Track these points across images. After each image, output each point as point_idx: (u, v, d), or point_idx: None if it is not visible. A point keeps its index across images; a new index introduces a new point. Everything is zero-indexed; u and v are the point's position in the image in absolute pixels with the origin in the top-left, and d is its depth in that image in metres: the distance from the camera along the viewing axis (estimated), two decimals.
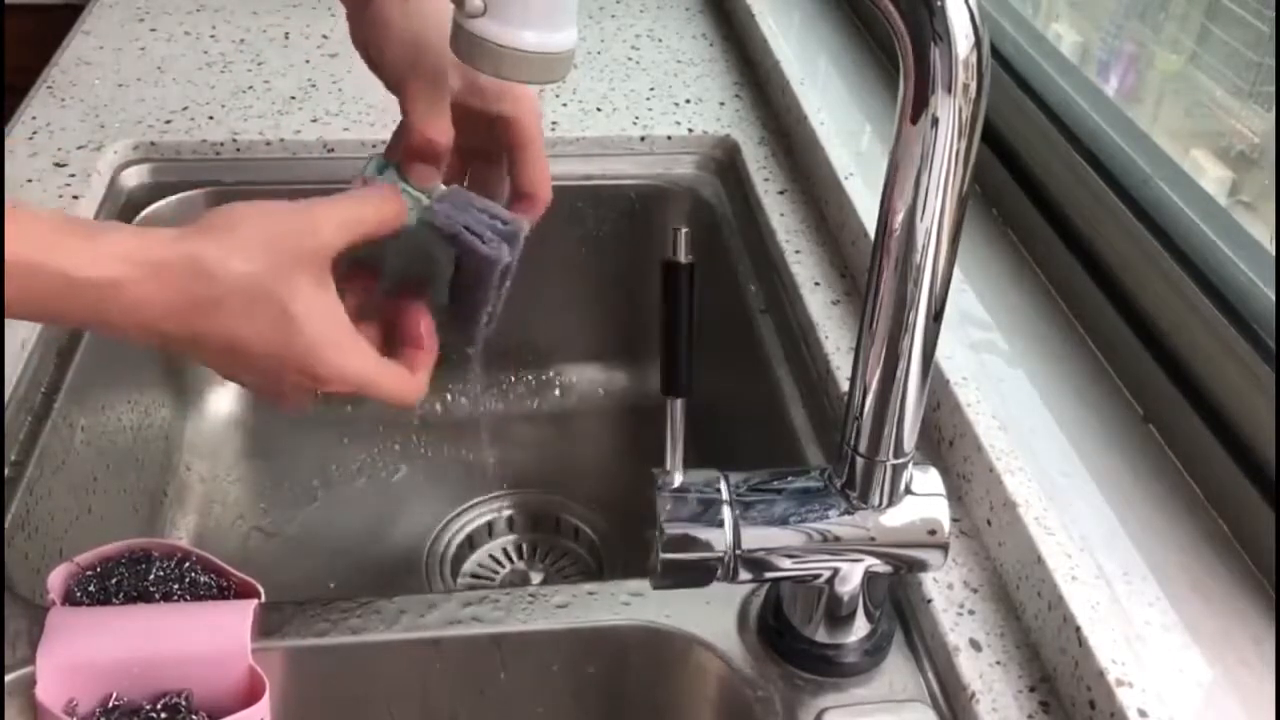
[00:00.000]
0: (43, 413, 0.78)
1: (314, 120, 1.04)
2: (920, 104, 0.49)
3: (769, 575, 0.60)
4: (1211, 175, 0.79)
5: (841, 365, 0.81)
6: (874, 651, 0.63)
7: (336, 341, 0.56)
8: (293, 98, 1.08)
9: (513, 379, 1.12)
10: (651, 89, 1.15)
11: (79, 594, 0.65)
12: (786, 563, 0.59)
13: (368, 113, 1.06)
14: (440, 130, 0.63)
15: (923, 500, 0.59)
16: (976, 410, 0.71)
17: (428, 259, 0.64)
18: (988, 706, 0.60)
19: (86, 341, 0.83)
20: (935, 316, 0.54)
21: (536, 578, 0.98)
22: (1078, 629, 0.58)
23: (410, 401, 0.61)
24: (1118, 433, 0.72)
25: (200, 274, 0.52)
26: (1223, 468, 0.67)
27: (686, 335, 0.55)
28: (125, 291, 0.51)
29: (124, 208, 0.97)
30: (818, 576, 0.60)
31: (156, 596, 0.65)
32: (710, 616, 0.66)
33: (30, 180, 0.94)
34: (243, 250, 0.53)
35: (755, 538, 0.58)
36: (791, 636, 0.63)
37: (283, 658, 0.64)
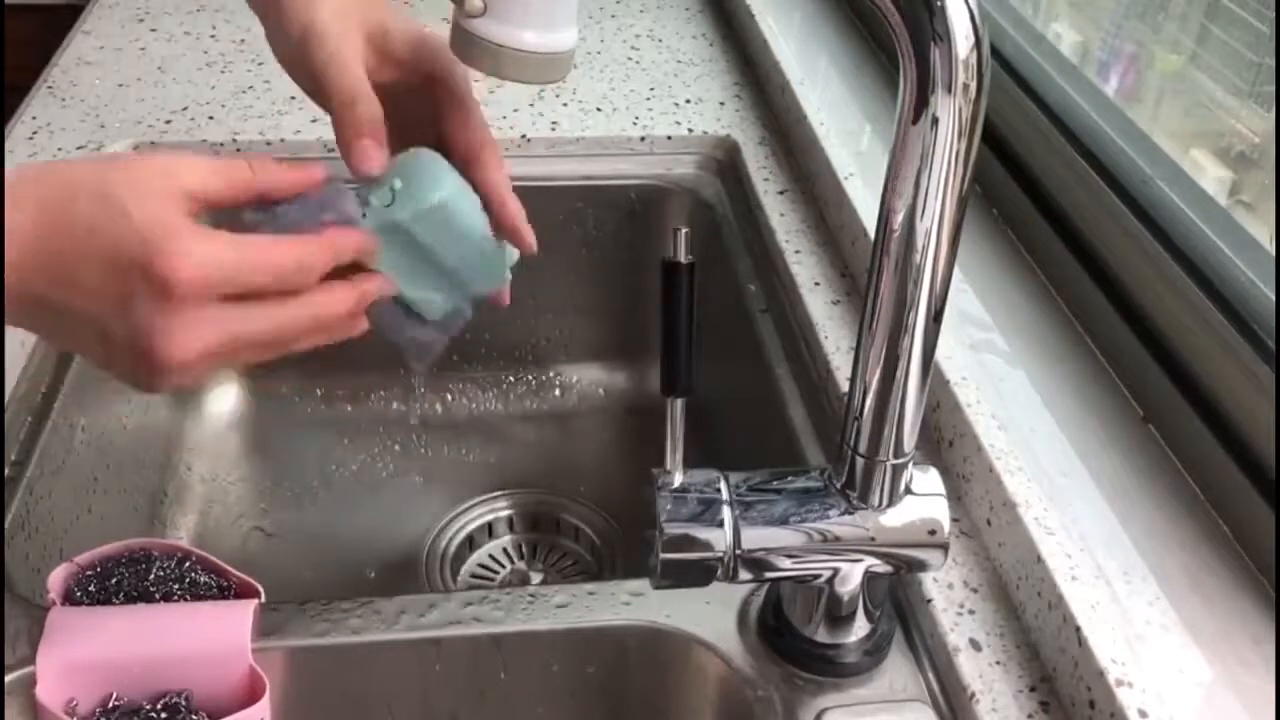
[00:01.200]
0: (43, 413, 0.78)
1: (314, 120, 1.04)
2: (920, 104, 0.49)
3: (769, 575, 0.60)
4: (1211, 175, 0.79)
5: (841, 365, 0.81)
6: (874, 651, 0.63)
7: (182, 229, 0.48)
8: (293, 98, 1.07)
9: (513, 379, 1.12)
10: (651, 89, 1.15)
11: (79, 594, 0.65)
12: (786, 563, 0.59)
13: None
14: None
15: (923, 500, 0.59)
16: (976, 410, 0.71)
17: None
18: (988, 706, 0.60)
19: None
20: (935, 316, 0.54)
21: (536, 578, 0.98)
22: (1078, 629, 0.58)
23: (335, 311, 0.52)
24: (1118, 433, 0.72)
25: (53, 184, 0.48)
26: (1223, 468, 0.67)
27: (686, 335, 0.55)
28: None
29: None
30: (818, 576, 0.60)
31: (156, 596, 0.65)
32: (710, 616, 0.66)
33: None
34: (103, 174, 0.48)
35: (755, 538, 0.58)
36: (791, 636, 0.63)
37: (283, 658, 0.64)
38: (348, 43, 0.58)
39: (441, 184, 0.57)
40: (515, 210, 0.61)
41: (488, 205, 0.60)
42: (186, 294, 0.47)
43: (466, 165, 0.60)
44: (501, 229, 0.61)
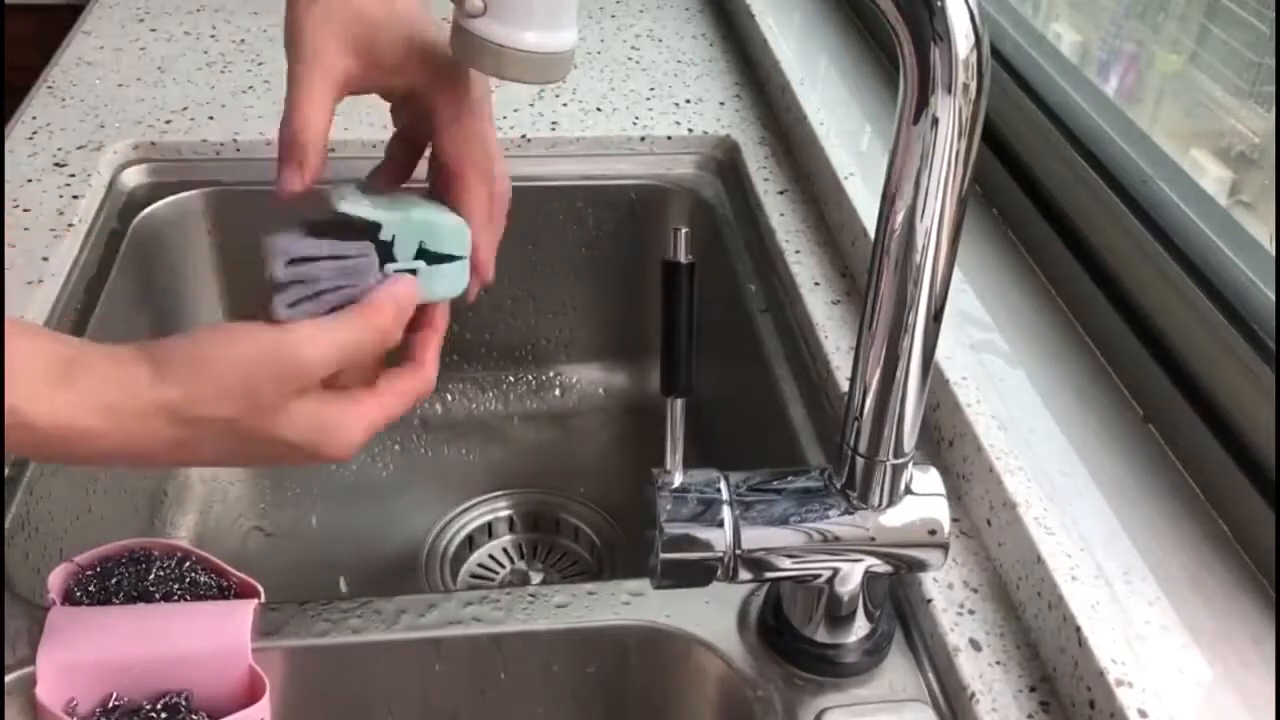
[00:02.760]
0: None
1: None
2: (920, 104, 0.49)
3: (769, 575, 0.60)
4: (1211, 175, 0.79)
5: (841, 365, 0.81)
6: (874, 651, 0.63)
7: (331, 438, 0.53)
8: None
9: (513, 379, 1.12)
10: (651, 89, 1.15)
11: (79, 594, 0.65)
12: (786, 563, 0.59)
13: (368, 113, 1.06)
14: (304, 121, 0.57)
15: (923, 500, 0.59)
16: (976, 410, 0.71)
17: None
18: (988, 706, 0.60)
19: (87, 339, 0.83)
20: (935, 316, 0.54)
21: (536, 578, 0.98)
22: (1078, 629, 0.58)
23: (429, 390, 0.58)
24: (1118, 433, 0.72)
25: (175, 422, 0.50)
26: (1223, 468, 0.67)
27: (686, 335, 0.55)
28: (99, 441, 0.49)
29: (124, 208, 0.97)
30: (818, 576, 0.60)
31: (156, 596, 0.65)
32: (710, 616, 0.66)
33: (30, 180, 0.94)
34: (216, 393, 0.50)
35: (755, 538, 0.58)
36: (791, 636, 0.63)
37: (283, 658, 0.64)
38: (320, 61, 0.57)
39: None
40: (483, 247, 0.61)
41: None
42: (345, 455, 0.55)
43: (446, 183, 0.61)
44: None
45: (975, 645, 0.63)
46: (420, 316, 0.58)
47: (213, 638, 0.62)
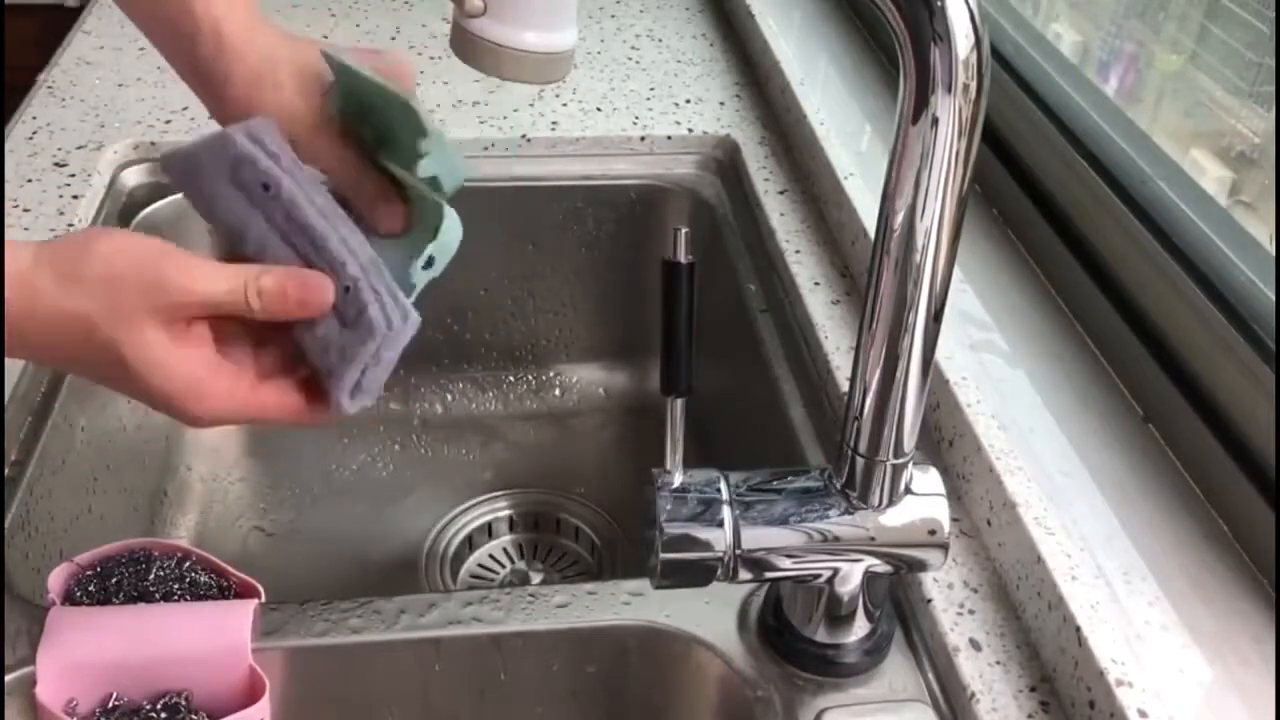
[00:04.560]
0: (43, 413, 0.78)
1: None
2: (920, 104, 0.49)
3: (769, 575, 0.60)
4: (1211, 175, 0.79)
5: (841, 365, 0.81)
6: (874, 651, 0.63)
7: (186, 390, 0.53)
8: None
9: (513, 379, 1.12)
10: (651, 89, 1.15)
11: (79, 594, 0.65)
12: (786, 563, 0.59)
13: None
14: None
15: (923, 500, 0.59)
16: (976, 410, 0.71)
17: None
18: (988, 706, 0.60)
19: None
20: (935, 316, 0.54)
21: (536, 578, 0.98)
22: (1078, 629, 0.58)
23: (305, 420, 0.57)
24: (1118, 433, 0.72)
25: (35, 298, 0.51)
26: (1223, 468, 0.67)
27: (686, 335, 0.55)
28: None
29: (124, 208, 0.97)
30: (818, 576, 0.60)
31: (156, 596, 0.65)
32: (710, 616, 0.66)
33: (30, 180, 0.94)
34: (81, 284, 0.51)
35: (755, 538, 0.58)
36: (791, 636, 0.63)
37: (283, 658, 0.64)
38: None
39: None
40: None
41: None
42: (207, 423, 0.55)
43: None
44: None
45: (975, 645, 0.63)
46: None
47: (213, 638, 0.62)
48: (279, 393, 0.56)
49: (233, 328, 0.55)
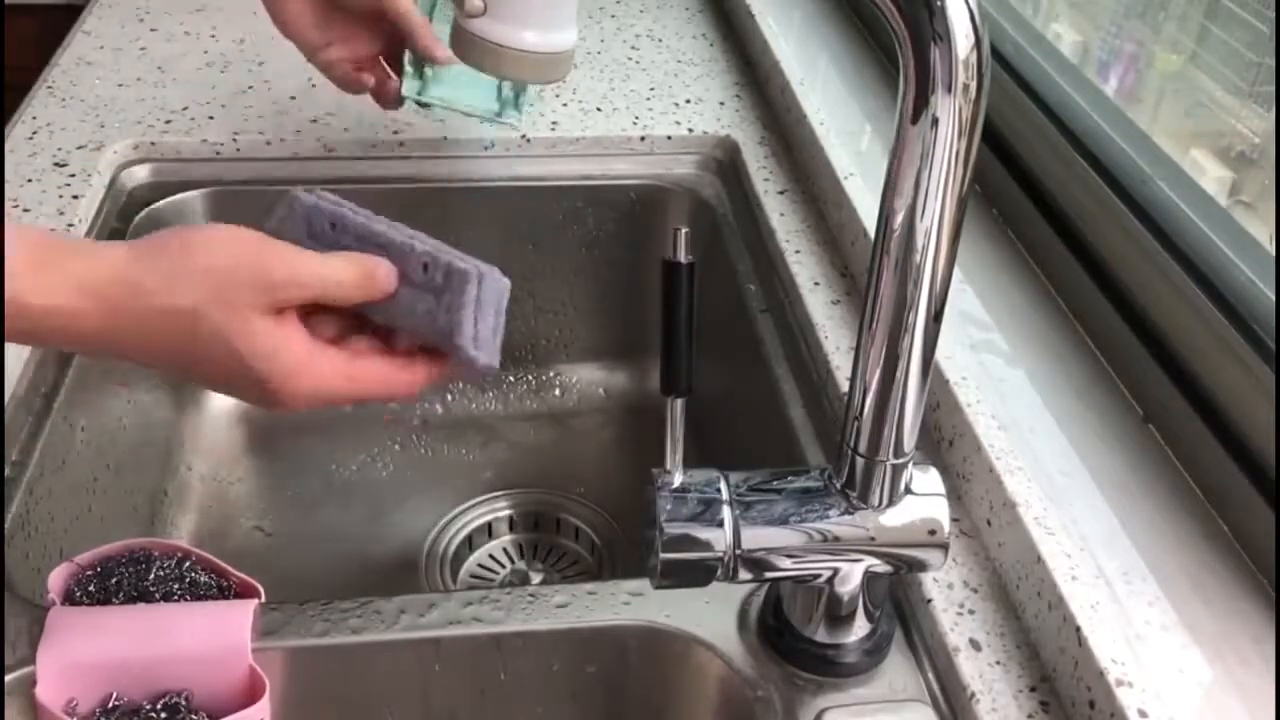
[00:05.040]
0: (43, 413, 0.78)
1: (314, 120, 1.04)
2: (920, 104, 0.49)
3: (769, 575, 0.60)
4: (1211, 175, 0.79)
5: (841, 365, 0.81)
6: (874, 651, 0.63)
7: (290, 372, 0.55)
8: (293, 98, 1.08)
9: (513, 379, 1.12)
10: (651, 89, 1.15)
11: (79, 594, 0.65)
12: (786, 563, 0.59)
13: (368, 113, 1.06)
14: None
15: (923, 500, 0.59)
16: (976, 410, 0.71)
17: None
18: (988, 706, 0.60)
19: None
20: (935, 316, 0.54)
21: (536, 578, 0.98)
22: (1078, 629, 0.58)
23: (405, 392, 0.60)
24: (1118, 433, 0.72)
25: (145, 301, 0.52)
26: (1223, 468, 0.67)
27: (686, 335, 0.55)
28: (83, 321, 0.51)
29: (124, 208, 0.97)
30: (818, 576, 0.60)
31: (156, 596, 0.65)
32: (710, 616, 0.66)
33: (30, 180, 0.94)
34: (186, 280, 0.53)
35: (755, 538, 0.58)
36: (791, 636, 0.63)
37: (283, 658, 0.64)
38: None
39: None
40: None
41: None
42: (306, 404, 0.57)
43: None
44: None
45: (975, 645, 0.63)
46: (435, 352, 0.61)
47: (213, 638, 0.62)
48: (377, 368, 0.58)
49: (322, 315, 0.58)
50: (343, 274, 0.56)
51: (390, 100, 0.86)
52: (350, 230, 0.60)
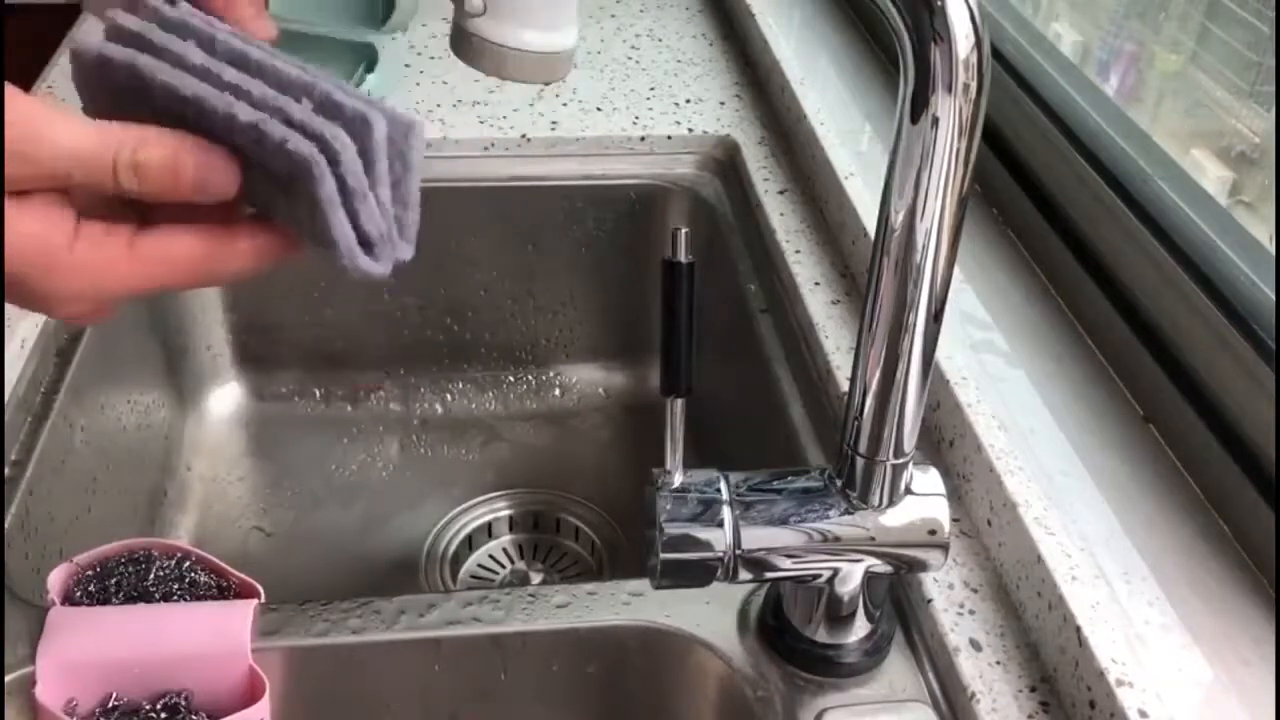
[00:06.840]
0: (43, 413, 0.78)
1: None
2: (920, 104, 0.49)
3: (769, 575, 0.60)
4: (1211, 175, 0.79)
5: (841, 365, 0.81)
6: (874, 651, 0.63)
7: (50, 266, 0.42)
8: None
9: (513, 379, 1.12)
10: (651, 89, 1.15)
11: (79, 594, 0.65)
12: (786, 563, 0.59)
13: None
14: None
15: (923, 500, 0.59)
16: (976, 410, 0.71)
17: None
18: (988, 706, 0.60)
19: (86, 341, 0.83)
20: (935, 316, 0.54)
21: (536, 578, 0.98)
22: (1078, 629, 0.58)
23: (231, 274, 0.45)
24: (1118, 433, 0.72)
25: None
26: (1223, 468, 0.67)
27: (686, 335, 0.55)
28: None
29: None
30: (818, 576, 0.60)
31: (156, 596, 0.65)
32: (710, 616, 0.66)
33: None
34: None
35: (755, 538, 0.58)
36: (791, 636, 0.63)
37: (283, 658, 0.64)
38: None
39: None
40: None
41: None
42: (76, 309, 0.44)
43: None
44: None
45: (975, 645, 0.63)
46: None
47: (212, 638, 0.62)
48: (180, 243, 0.44)
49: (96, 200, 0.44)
50: (117, 160, 0.42)
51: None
52: (155, 88, 0.45)
